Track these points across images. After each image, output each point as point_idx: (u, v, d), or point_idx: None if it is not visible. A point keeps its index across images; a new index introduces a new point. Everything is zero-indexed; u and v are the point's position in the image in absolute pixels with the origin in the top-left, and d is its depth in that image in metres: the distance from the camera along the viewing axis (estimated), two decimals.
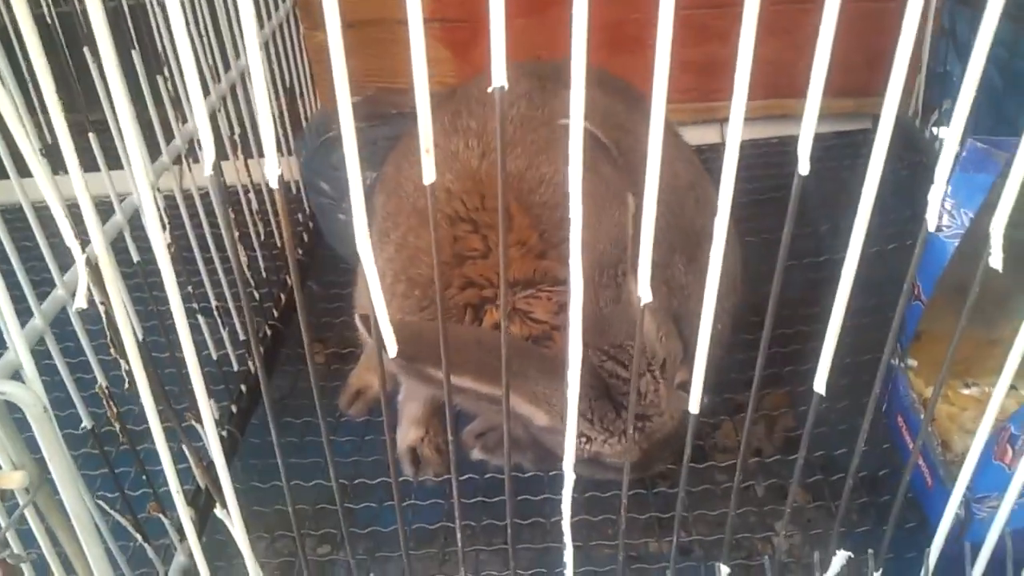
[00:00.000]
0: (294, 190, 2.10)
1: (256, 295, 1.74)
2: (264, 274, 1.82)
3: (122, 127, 0.66)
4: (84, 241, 0.74)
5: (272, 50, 1.95)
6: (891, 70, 0.57)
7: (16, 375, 0.92)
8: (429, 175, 0.67)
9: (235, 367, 1.63)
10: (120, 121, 0.66)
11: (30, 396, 0.82)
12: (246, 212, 1.76)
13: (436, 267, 0.73)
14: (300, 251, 2.04)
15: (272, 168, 0.67)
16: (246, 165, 1.75)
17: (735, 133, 0.66)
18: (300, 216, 2.11)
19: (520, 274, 1.25)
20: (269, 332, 1.75)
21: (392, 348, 0.76)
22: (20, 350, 0.86)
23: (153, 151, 1.37)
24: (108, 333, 1.05)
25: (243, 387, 1.61)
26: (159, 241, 0.75)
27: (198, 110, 0.65)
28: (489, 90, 0.64)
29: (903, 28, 0.56)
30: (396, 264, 1.32)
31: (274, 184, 0.69)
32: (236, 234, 1.61)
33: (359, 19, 2.28)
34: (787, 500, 1.49)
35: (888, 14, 2.19)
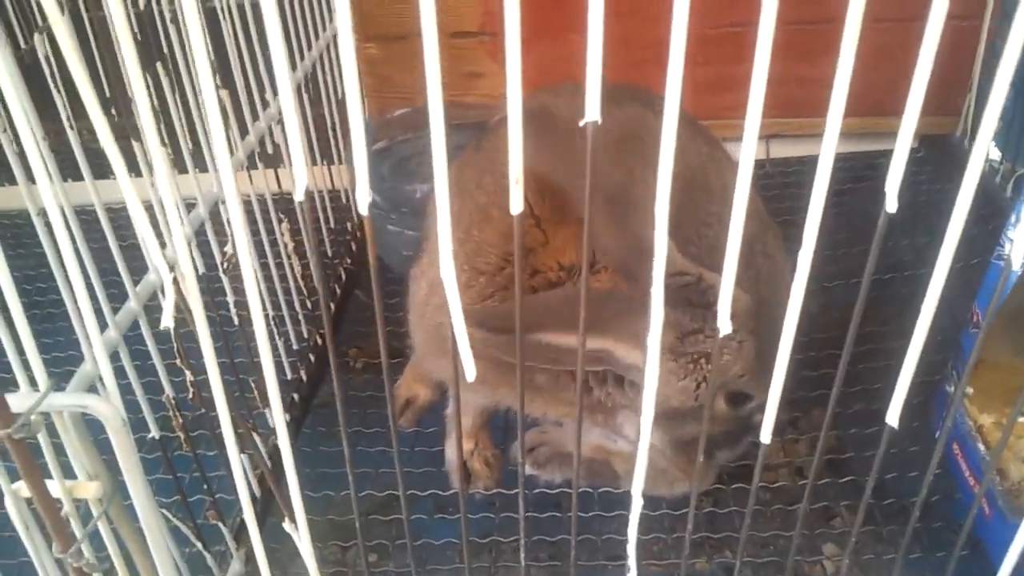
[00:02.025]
0: (344, 199, 2.12)
1: (308, 304, 1.76)
2: (316, 283, 1.84)
3: (211, 132, 0.67)
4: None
5: (325, 62, 1.96)
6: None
7: (92, 387, 0.94)
8: (517, 205, 0.68)
9: (288, 375, 1.65)
10: (209, 126, 0.67)
11: (110, 410, 0.84)
12: (300, 221, 1.77)
13: (517, 300, 0.75)
14: (348, 260, 2.06)
15: (363, 197, 0.68)
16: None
17: (827, 161, 0.66)
18: (349, 225, 2.13)
19: (579, 258, 1.29)
20: (319, 340, 1.77)
21: (471, 372, 0.77)
22: (102, 364, 0.88)
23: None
24: (176, 345, 1.08)
25: (295, 396, 1.63)
26: (244, 250, 0.75)
27: (291, 130, 0.67)
28: (582, 123, 0.65)
29: (1005, 54, 0.56)
30: (460, 257, 1.36)
31: (363, 211, 0.70)
32: (291, 245, 1.63)
33: (409, 31, 2.30)
34: (831, 523, 1.51)
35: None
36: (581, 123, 0.65)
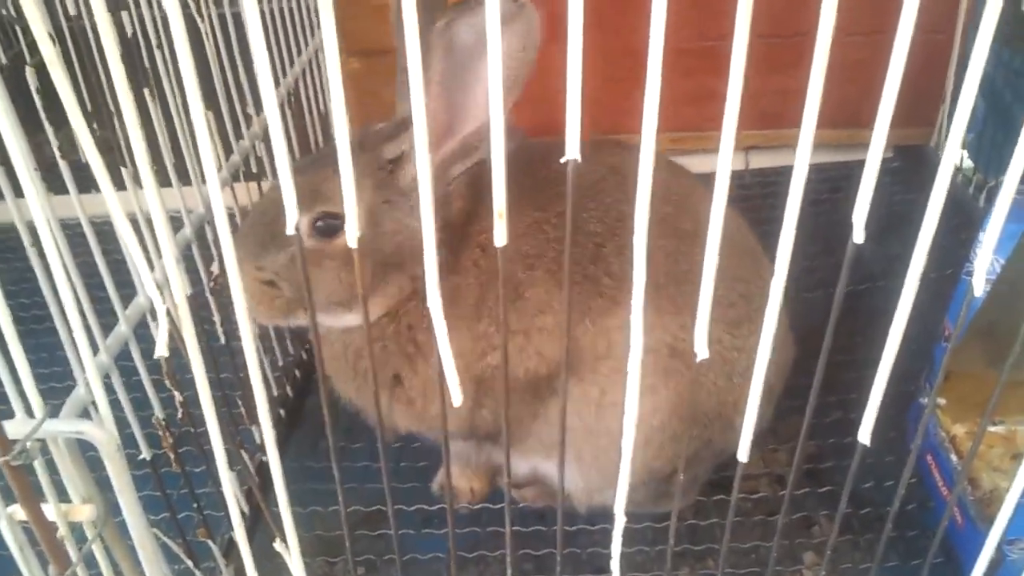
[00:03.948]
0: None
1: None
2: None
3: (200, 146, 0.68)
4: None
5: (308, 77, 1.98)
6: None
7: (84, 411, 0.96)
8: (500, 238, 0.71)
9: (274, 391, 1.67)
10: (198, 140, 0.67)
11: (106, 436, 0.86)
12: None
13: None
14: None
15: (352, 231, 0.71)
16: None
17: (801, 175, 0.69)
18: None
19: None
20: (304, 355, 1.79)
21: (457, 396, 0.79)
22: (96, 390, 0.90)
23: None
24: (164, 367, 1.09)
25: (281, 411, 1.64)
26: (233, 269, 0.76)
27: (283, 174, 0.69)
28: (562, 160, 0.67)
29: (969, 68, 0.59)
30: None
31: (353, 244, 0.72)
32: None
33: (390, 46, 2.32)
34: (810, 530, 1.54)
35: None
36: (562, 159, 0.67)
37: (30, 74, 0.91)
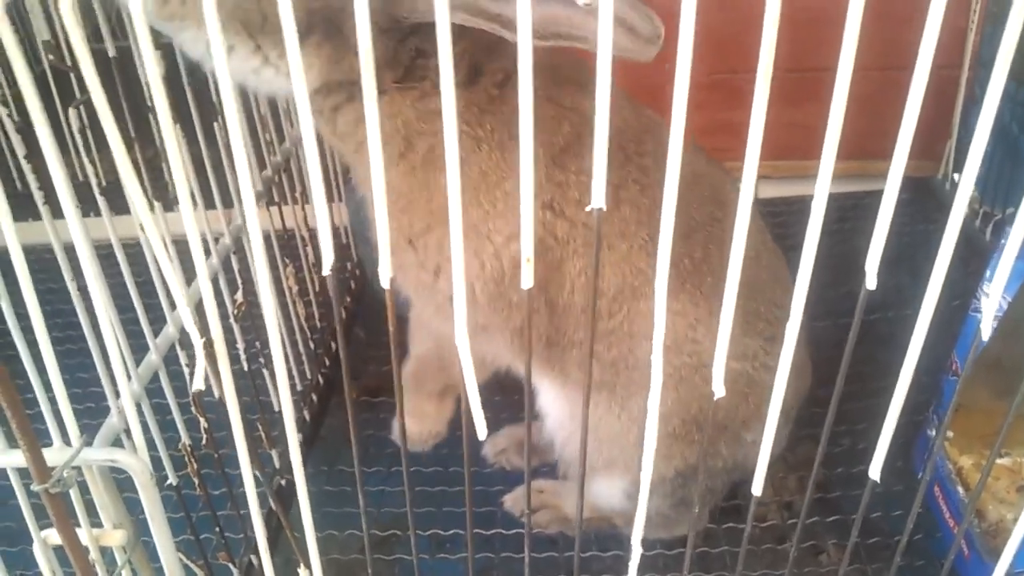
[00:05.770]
0: (344, 238, 2.16)
1: (311, 344, 1.80)
2: (318, 323, 1.88)
3: (237, 171, 0.70)
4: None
5: None
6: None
7: (117, 439, 0.99)
8: (527, 281, 0.73)
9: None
10: (236, 165, 0.69)
11: (140, 465, 0.89)
12: (303, 259, 1.80)
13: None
14: (348, 299, 2.11)
15: (385, 273, 0.74)
16: (303, 211, 1.77)
17: (818, 217, 0.71)
18: (348, 264, 2.18)
19: None
20: (321, 380, 1.82)
21: (483, 431, 0.82)
22: (131, 421, 0.93)
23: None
24: (192, 396, 1.12)
25: (300, 436, 1.67)
26: (268, 301, 0.79)
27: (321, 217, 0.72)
28: (588, 209, 0.69)
29: (983, 111, 0.61)
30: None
31: (386, 284, 0.75)
32: (296, 289, 1.67)
33: None
34: (818, 558, 1.56)
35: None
36: (588, 208, 0.70)
37: (73, 116, 0.94)
